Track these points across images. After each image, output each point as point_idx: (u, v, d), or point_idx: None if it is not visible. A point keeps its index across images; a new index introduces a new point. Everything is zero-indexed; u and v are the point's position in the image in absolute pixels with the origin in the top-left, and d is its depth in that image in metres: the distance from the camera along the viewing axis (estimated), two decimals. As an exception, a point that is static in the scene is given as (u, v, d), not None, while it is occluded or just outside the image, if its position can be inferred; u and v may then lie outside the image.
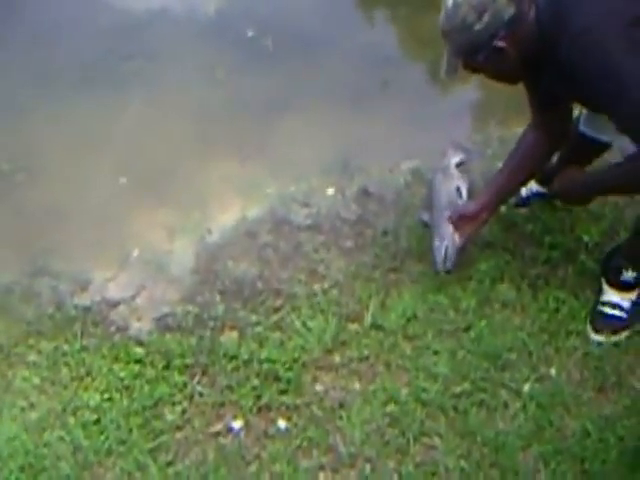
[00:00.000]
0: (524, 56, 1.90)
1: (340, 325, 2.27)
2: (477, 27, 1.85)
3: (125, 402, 2.14)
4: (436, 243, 2.36)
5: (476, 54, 1.90)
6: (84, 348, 2.30)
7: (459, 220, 2.32)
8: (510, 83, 2.07)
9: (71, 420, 2.11)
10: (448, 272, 2.34)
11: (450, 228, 2.35)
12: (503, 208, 2.50)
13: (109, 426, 2.08)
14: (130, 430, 2.07)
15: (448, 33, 1.92)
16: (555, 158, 2.50)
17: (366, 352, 2.21)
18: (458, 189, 2.51)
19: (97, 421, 2.11)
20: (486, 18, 1.84)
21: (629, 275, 2.18)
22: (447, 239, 2.34)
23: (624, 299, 2.21)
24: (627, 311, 2.20)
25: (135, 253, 2.62)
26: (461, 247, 2.34)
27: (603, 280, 2.26)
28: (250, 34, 3.61)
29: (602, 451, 1.93)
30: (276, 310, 2.35)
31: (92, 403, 2.15)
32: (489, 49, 1.88)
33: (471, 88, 3.20)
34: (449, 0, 1.89)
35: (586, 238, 2.44)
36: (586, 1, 1.81)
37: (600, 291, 2.26)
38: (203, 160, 2.93)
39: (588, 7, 1.79)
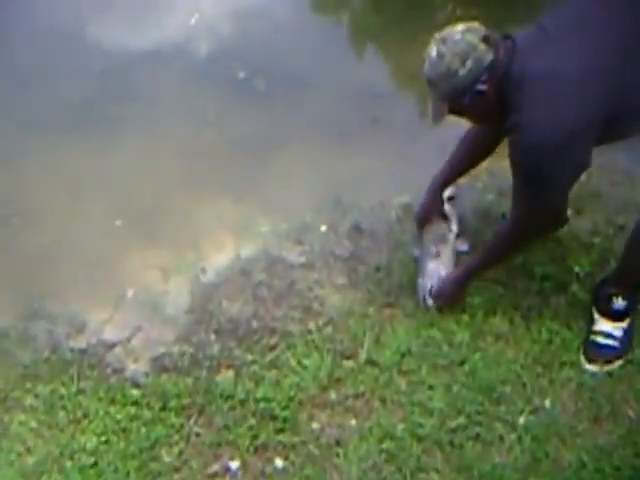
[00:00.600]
0: (501, 98, 1.98)
1: (335, 362, 2.29)
2: (461, 73, 1.95)
3: (122, 444, 2.14)
4: (419, 280, 2.43)
5: (461, 98, 2.00)
6: (81, 391, 2.31)
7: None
8: (492, 123, 2.16)
9: (68, 464, 2.11)
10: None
11: (435, 264, 2.40)
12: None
13: (106, 469, 2.08)
14: (127, 473, 2.07)
15: (434, 81, 2.01)
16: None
17: (361, 388, 2.22)
18: (447, 224, 2.56)
19: (94, 464, 2.11)
20: (469, 64, 1.94)
21: (619, 303, 2.21)
22: (432, 276, 2.39)
23: (616, 328, 2.23)
24: (620, 340, 2.23)
25: (130, 294, 2.63)
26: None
27: (594, 310, 2.28)
28: (242, 75, 3.65)
29: (599, 482, 1.94)
30: (271, 348, 2.36)
31: (89, 446, 2.15)
32: (472, 92, 1.98)
33: (460, 123, 3.24)
34: (433, 51, 1.99)
35: (577, 268, 2.47)
36: (539, 97, 1.91)
37: (592, 321, 2.28)
38: (196, 200, 2.95)
39: (538, 107, 1.91)
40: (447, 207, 2.62)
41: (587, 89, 1.89)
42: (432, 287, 2.39)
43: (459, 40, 1.95)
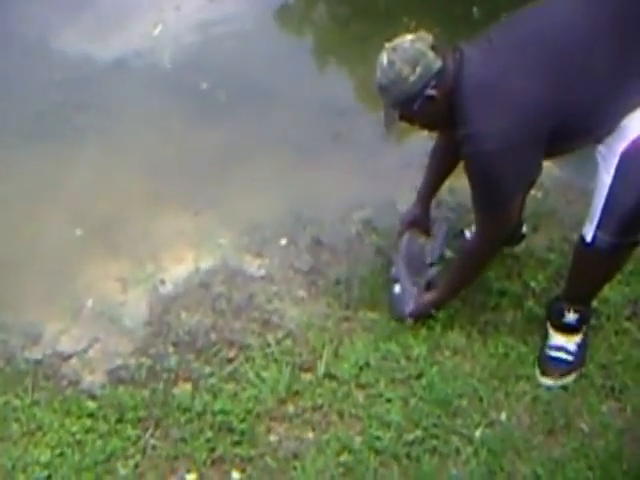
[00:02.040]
0: (450, 105, 2.05)
1: (294, 375, 2.28)
2: (411, 79, 2.03)
3: (77, 457, 2.11)
4: (396, 290, 2.46)
5: (412, 103, 2.06)
6: (35, 402, 2.27)
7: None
8: (441, 129, 2.28)
9: (21, 477, 2.07)
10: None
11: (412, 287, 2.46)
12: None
13: (60, 483, 2.05)
14: (82, 486, 2.04)
15: (386, 87, 2.08)
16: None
17: (320, 401, 2.22)
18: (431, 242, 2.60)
19: (48, 478, 2.07)
20: (419, 70, 2.02)
21: (571, 317, 2.24)
22: (407, 289, 2.44)
23: (569, 342, 2.27)
24: (573, 354, 2.26)
25: (88, 304, 2.60)
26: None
27: (548, 324, 2.32)
28: (204, 86, 3.65)
29: (552, 495, 1.97)
30: (230, 361, 2.36)
31: (43, 459, 2.11)
32: (422, 98, 2.04)
33: (421, 140, 3.28)
34: (384, 59, 2.07)
35: (533, 284, 2.51)
36: (482, 110, 2.00)
37: (546, 335, 2.31)
38: (156, 211, 2.94)
39: (481, 120, 1.99)
40: (434, 228, 2.64)
41: (528, 104, 1.95)
42: (409, 308, 2.42)
43: (408, 48, 2.04)
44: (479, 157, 2.01)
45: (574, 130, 2.00)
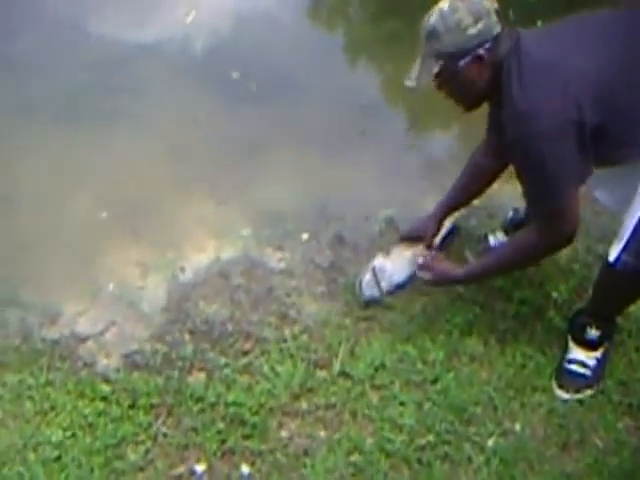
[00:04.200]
0: (493, 77, 2.00)
1: (308, 371, 2.27)
2: (470, 31, 1.95)
3: (88, 440, 2.11)
4: (367, 277, 2.49)
5: (459, 59, 1.98)
6: (49, 382, 2.28)
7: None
8: (468, 104, 2.14)
9: (32, 456, 2.08)
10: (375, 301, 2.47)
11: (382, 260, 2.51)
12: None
13: (70, 464, 2.06)
14: (91, 469, 2.04)
15: (438, 34, 1.98)
16: (520, 206, 2.60)
17: (333, 400, 2.21)
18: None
19: (58, 458, 2.08)
20: (480, 26, 1.95)
21: (593, 333, 2.21)
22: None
23: (589, 357, 2.24)
24: (592, 369, 2.23)
25: (107, 288, 2.61)
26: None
27: (569, 337, 2.29)
28: (235, 76, 3.65)
29: (563, 509, 1.95)
30: (245, 353, 2.35)
31: (54, 439, 2.12)
32: (472, 56, 1.97)
33: (447, 140, 3.26)
34: (445, 4, 1.98)
35: (555, 295, 2.48)
36: (538, 88, 1.91)
37: (566, 348, 2.29)
38: (181, 199, 2.94)
39: (527, 99, 1.91)
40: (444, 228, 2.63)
41: (580, 87, 1.88)
42: (422, 260, 2.41)
43: (477, 1, 1.96)
44: (527, 138, 1.91)
45: (621, 133, 1.94)
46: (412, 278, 2.51)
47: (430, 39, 2.00)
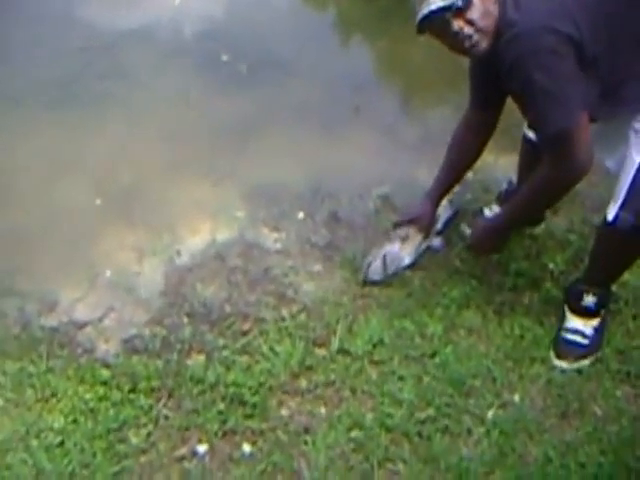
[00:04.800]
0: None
1: (307, 350, 2.28)
2: None
3: (90, 425, 2.12)
4: (369, 257, 2.49)
5: None
6: (50, 369, 2.28)
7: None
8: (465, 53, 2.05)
9: (34, 443, 2.09)
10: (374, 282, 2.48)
11: (392, 245, 2.50)
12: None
13: (73, 449, 2.06)
14: (94, 454, 2.05)
15: None
16: (514, 178, 2.58)
17: (332, 377, 2.21)
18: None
19: (61, 444, 2.08)
20: None
21: (589, 300, 2.22)
22: (379, 254, 2.49)
23: (586, 326, 2.24)
24: (589, 338, 2.24)
25: (104, 274, 2.61)
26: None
27: (566, 307, 2.29)
28: (225, 58, 3.63)
29: (563, 477, 1.95)
30: (244, 334, 2.35)
31: (56, 425, 2.12)
32: None
33: (441, 115, 3.25)
34: None
35: (551, 266, 2.49)
36: (534, 7, 1.90)
37: (563, 318, 2.29)
38: (174, 182, 2.93)
39: (527, 19, 1.89)
40: (440, 208, 2.61)
41: (568, 6, 1.87)
42: (470, 234, 2.44)
43: None
44: (530, 54, 1.87)
45: (608, 87, 1.93)
46: (417, 260, 2.53)
47: None
